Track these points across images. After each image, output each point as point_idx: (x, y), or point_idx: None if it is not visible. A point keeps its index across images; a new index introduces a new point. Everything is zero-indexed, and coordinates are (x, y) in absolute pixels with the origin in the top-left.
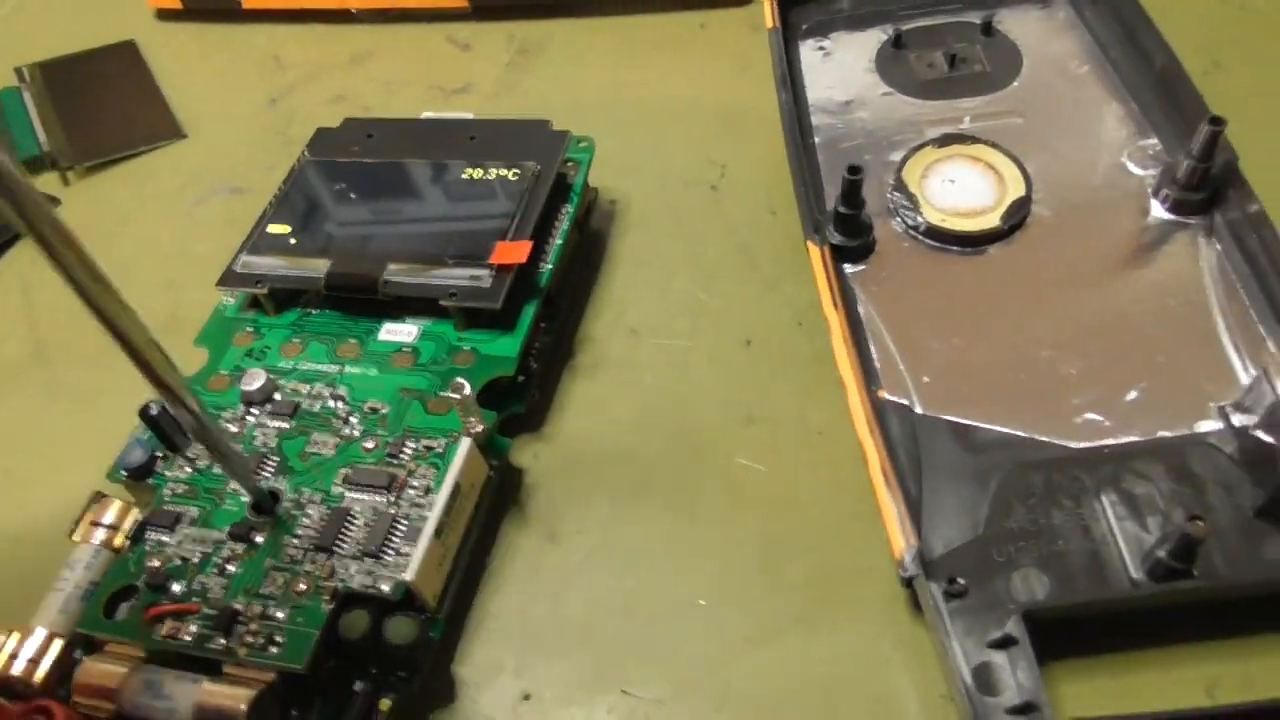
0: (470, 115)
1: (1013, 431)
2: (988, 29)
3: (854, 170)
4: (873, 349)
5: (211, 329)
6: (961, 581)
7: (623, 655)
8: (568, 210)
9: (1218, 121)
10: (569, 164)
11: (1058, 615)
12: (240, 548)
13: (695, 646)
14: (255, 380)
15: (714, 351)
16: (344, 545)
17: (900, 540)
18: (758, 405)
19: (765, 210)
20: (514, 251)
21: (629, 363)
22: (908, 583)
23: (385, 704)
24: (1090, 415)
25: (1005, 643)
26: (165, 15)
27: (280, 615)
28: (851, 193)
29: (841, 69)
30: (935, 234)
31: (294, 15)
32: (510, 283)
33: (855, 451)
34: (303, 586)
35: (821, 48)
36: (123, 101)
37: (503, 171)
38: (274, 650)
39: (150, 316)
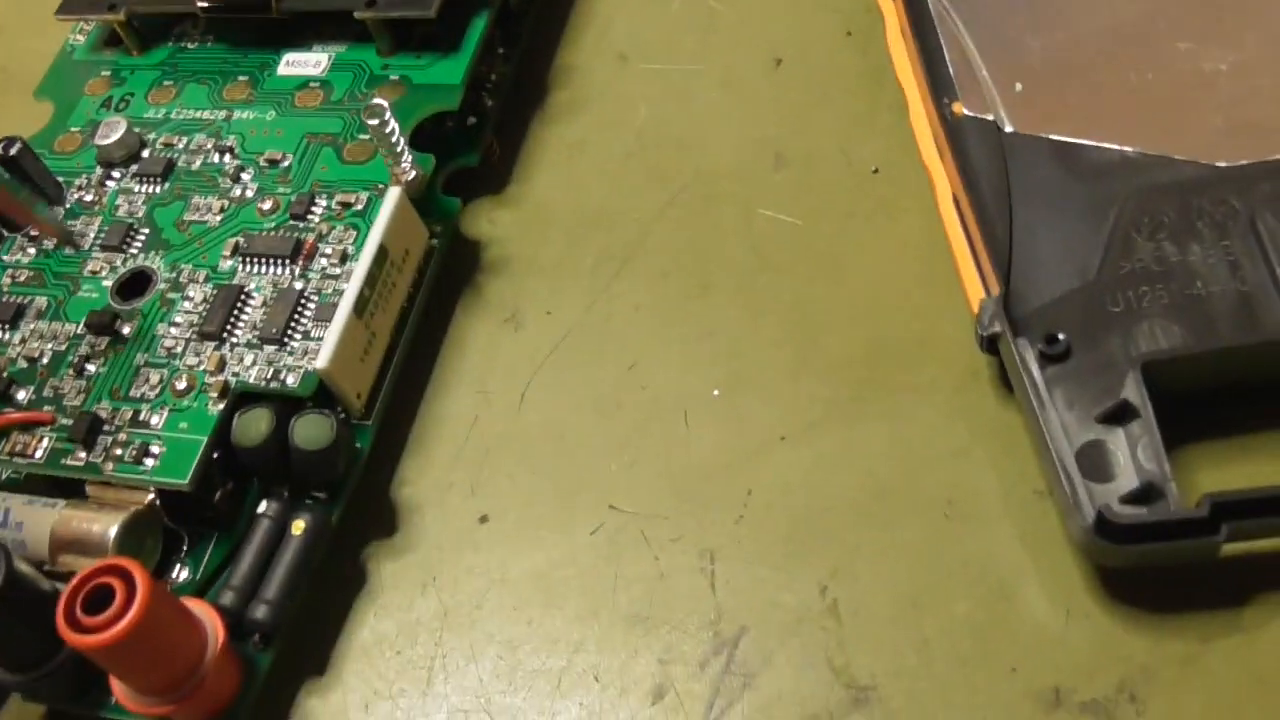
0: None
1: (1137, 150)
2: None
3: None
4: (946, 52)
5: (55, 77)
6: (1063, 338)
7: (608, 463)
8: None
9: None
10: None
11: (1190, 370)
12: (103, 342)
13: (706, 448)
14: (114, 131)
15: (731, 76)
16: (237, 332)
17: (978, 287)
18: (790, 141)
19: None
20: None
21: (618, 96)
22: (990, 346)
23: (298, 526)
24: (1244, 123)
25: (1120, 415)
26: None
27: (156, 421)
28: None
29: None
30: None
31: None
32: None
33: (921, 190)
34: (184, 384)
35: None
36: None
37: None
38: (150, 463)
39: None
